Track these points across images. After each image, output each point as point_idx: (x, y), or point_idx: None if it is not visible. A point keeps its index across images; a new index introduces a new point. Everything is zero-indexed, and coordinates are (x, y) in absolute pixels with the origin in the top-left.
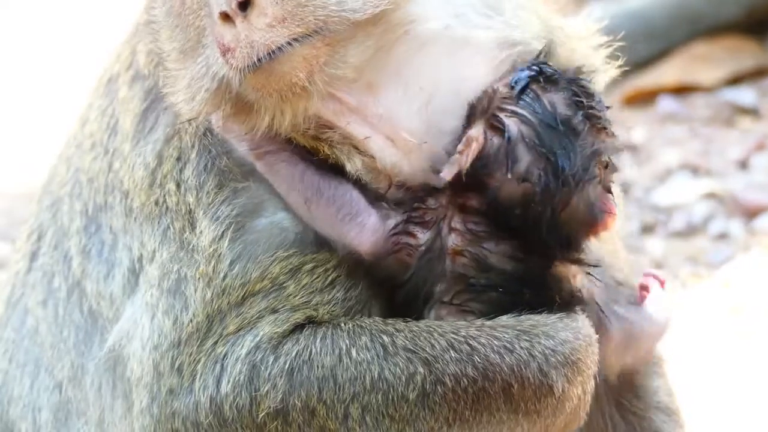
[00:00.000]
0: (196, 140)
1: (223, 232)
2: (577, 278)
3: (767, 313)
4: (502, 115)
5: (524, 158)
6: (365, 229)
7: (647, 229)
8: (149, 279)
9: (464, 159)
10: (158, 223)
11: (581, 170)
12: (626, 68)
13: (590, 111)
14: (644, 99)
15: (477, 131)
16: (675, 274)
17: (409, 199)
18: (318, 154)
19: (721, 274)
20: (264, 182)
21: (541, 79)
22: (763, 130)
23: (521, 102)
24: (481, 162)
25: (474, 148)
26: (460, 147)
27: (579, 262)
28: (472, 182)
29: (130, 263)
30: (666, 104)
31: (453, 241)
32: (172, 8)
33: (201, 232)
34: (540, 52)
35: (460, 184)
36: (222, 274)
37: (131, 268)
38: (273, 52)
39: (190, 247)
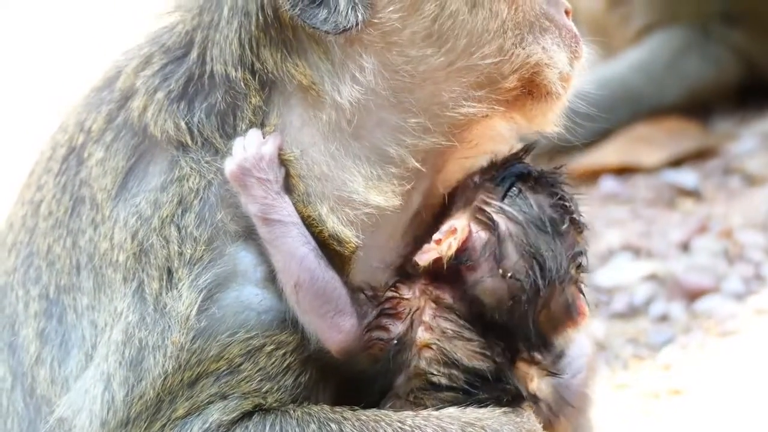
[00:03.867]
0: (201, 186)
1: (195, 300)
2: (534, 381)
3: (707, 396)
4: (489, 210)
5: (512, 256)
6: (342, 333)
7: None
8: (110, 344)
9: (445, 247)
10: (134, 279)
11: (564, 272)
12: (568, 148)
13: (573, 215)
14: (586, 179)
15: (461, 222)
16: (616, 355)
17: (384, 285)
18: (318, 235)
19: (662, 356)
20: (249, 248)
21: (528, 179)
22: (704, 213)
23: (508, 199)
24: (465, 254)
25: (459, 238)
26: (438, 235)
27: (539, 364)
28: (449, 273)
29: (92, 339)
30: (608, 185)
31: (422, 334)
32: None
33: (180, 296)
34: (524, 149)
35: (436, 274)
36: (184, 348)
37: (93, 344)
38: None
39: (166, 309)
